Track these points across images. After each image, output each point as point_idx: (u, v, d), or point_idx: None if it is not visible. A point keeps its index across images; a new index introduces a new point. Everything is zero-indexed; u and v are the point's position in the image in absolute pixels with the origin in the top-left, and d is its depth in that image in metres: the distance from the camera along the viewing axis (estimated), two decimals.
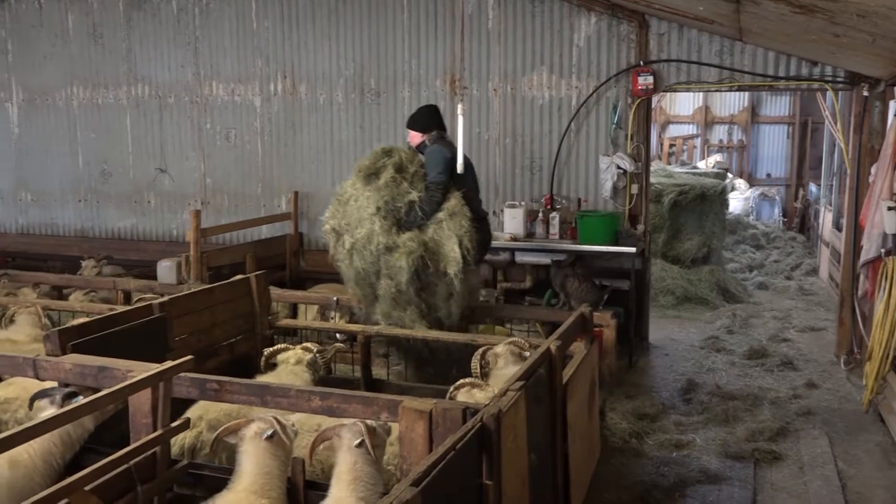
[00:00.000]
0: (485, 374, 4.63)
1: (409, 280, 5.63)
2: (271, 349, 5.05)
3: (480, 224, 6.06)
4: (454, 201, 5.83)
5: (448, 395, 4.08)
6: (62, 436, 3.52)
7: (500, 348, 4.74)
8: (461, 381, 4.17)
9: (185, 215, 9.53)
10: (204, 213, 8.73)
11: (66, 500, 2.94)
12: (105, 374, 3.64)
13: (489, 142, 8.51)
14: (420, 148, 6.21)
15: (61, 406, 3.51)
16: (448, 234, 5.70)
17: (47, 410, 3.54)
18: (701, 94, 17.57)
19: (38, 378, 3.80)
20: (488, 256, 7.94)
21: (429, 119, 6.33)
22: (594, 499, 4.85)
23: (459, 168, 5.98)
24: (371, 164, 5.88)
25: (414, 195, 5.77)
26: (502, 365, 4.64)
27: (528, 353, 4.61)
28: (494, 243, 7.62)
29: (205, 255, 7.56)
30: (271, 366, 4.97)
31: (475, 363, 4.66)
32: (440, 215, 5.77)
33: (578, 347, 4.97)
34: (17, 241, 10.70)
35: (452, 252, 5.65)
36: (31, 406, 3.81)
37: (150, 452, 3.37)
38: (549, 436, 3.93)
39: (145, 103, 9.91)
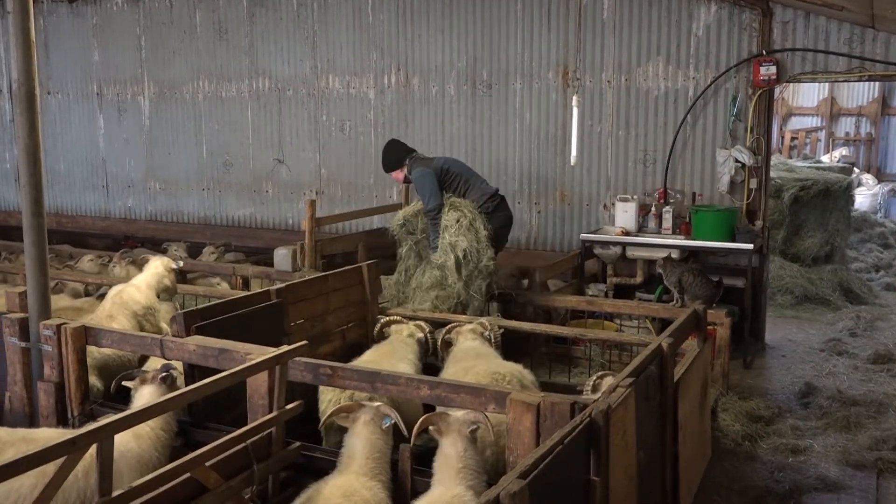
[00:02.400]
0: (446, 348, 5.14)
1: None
2: (386, 318, 5.49)
3: (491, 201, 6.70)
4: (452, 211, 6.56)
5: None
6: None
7: (465, 327, 5.20)
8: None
9: (301, 205, 9.81)
10: (319, 203, 8.94)
11: (188, 475, 3.11)
12: (225, 356, 3.81)
13: (601, 134, 8.39)
14: (408, 179, 7.07)
15: (159, 383, 3.73)
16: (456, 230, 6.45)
17: (144, 387, 3.75)
18: (827, 84, 16.71)
19: (164, 357, 4.02)
20: (598, 250, 7.91)
21: (397, 153, 7.06)
22: (704, 501, 4.73)
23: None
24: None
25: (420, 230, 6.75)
26: (462, 341, 5.08)
27: (488, 334, 5.19)
28: (605, 237, 7.92)
29: (319, 244, 7.74)
30: (383, 336, 5.35)
31: (440, 338, 5.21)
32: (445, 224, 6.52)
33: (691, 346, 4.85)
34: (146, 226, 11.33)
35: (461, 242, 6.35)
36: (113, 389, 4.02)
37: (265, 433, 3.51)
38: (659, 434, 3.85)
39: (265, 96, 10.27)
